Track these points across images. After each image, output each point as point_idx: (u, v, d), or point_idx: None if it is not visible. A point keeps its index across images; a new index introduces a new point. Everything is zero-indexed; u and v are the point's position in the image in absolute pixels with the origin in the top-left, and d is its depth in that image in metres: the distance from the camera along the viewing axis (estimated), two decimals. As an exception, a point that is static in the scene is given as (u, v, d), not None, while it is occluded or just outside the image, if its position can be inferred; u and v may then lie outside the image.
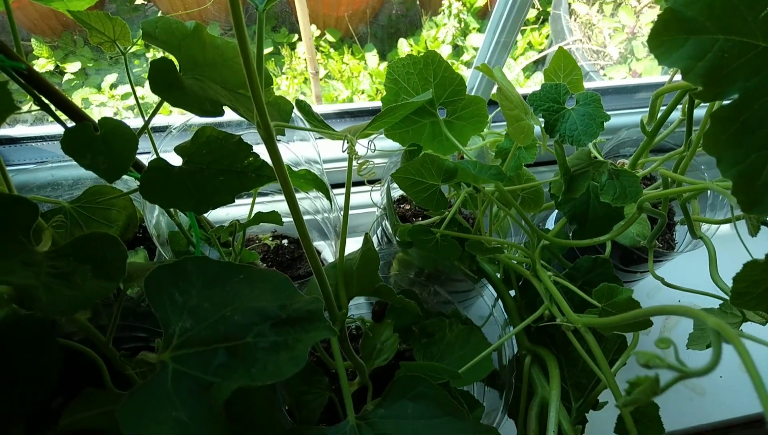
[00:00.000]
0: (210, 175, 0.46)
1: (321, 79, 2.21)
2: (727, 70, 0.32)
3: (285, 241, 0.87)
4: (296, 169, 0.59)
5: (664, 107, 0.55)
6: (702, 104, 0.65)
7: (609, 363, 0.60)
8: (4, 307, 0.36)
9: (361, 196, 0.92)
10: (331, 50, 2.30)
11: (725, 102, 0.32)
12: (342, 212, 0.52)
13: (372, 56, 2.28)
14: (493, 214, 0.65)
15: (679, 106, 0.63)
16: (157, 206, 0.59)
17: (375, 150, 0.44)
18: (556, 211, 0.86)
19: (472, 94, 0.69)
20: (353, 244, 0.92)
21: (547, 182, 0.61)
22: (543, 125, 0.55)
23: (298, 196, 0.81)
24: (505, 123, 0.69)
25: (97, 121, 0.46)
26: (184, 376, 0.35)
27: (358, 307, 0.79)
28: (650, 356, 0.25)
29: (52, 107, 0.46)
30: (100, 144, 0.45)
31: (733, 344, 0.25)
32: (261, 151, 0.44)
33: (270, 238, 0.87)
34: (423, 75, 0.59)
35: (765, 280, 0.34)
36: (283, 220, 0.88)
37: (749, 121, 0.32)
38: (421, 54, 0.59)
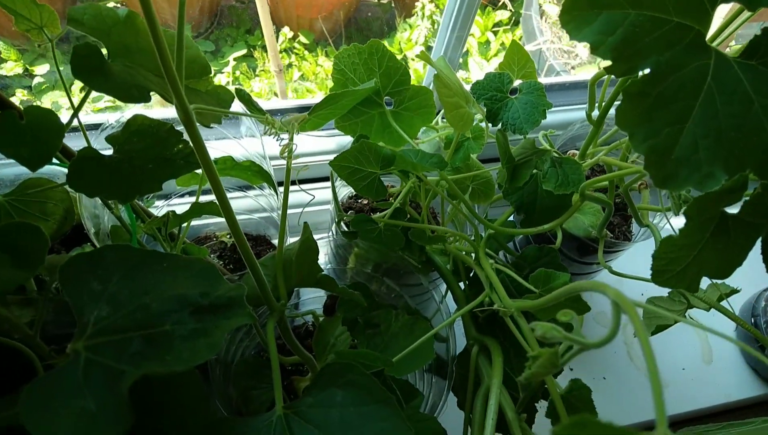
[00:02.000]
0: (139, 163, 0.45)
1: (294, 81, 2.20)
2: (640, 44, 0.32)
3: (242, 239, 0.86)
4: (240, 161, 0.58)
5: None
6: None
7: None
8: None
9: (324, 192, 0.91)
10: (305, 52, 2.29)
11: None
12: (281, 211, 0.51)
13: (346, 58, 2.28)
14: (445, 206, 0.64)
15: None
16: (96, 199, 0.57)
17: (293, 138, 0.43)
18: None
19: (431, 88, 0.69)
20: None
21: (496, 169, 0.61)
22: (485, 114, 0.55)
23: (255, 193, 0.80)
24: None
25: (22, 110, 0.45)
26: (96, 365, 0.34)
27: (319, 300, 0.78)
28: (547, 328, 0.24)
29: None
30: (25, 133, 0.44)
31: (627, 312, 0.24)
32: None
33: (227, 236, 0.85)
34: (368, 65, 0.59)
35: (682, 257, 0.34)
36: (241, 217, 0.87)
37: (662, 95, 0.32)
38: (365, 44, 0.58)
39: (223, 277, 0.40)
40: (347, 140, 0.92)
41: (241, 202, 0.80)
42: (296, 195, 0.89)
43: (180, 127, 0.46)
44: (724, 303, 0.60)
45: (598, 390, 0.94)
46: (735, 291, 0.55)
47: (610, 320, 0.72)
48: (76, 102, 0.48)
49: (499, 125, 0.56)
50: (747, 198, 0.33)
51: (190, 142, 0.39)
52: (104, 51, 0.46)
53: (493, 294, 0.50)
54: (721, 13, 0.46)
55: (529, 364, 0.27)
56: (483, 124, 0.60)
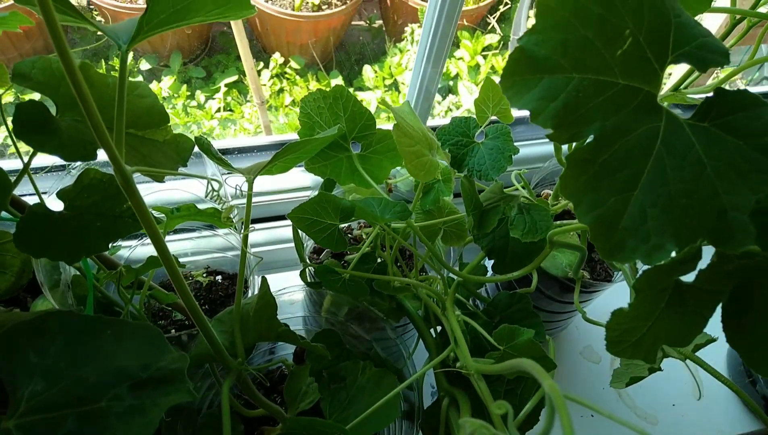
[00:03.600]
0: (88, 220, 0.44)
1: (286, 105, 2.20)
2: (583, 109, 0.31)
3: (219, 278, 0.84)
4: (203, 208, 0.57)
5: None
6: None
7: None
8: None
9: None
10: (297, 77, 2.29)
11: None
12: (239, 263, 0.50)
13: (337, 82, 2.28)
14: (418, 249, 0.63)
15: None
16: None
17: (240, 192, 0.42)
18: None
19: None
20: (283, 280, 0.90)
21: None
22: (450, 160, 0.53)
23: (225, 231, 0.79)
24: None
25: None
26: (25, 446, 0.32)
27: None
28: (477, 425, 0.23)
29: None
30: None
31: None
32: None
33: (203, 275, 0.84)
34: (333, 109, 0.58)
35: (637, 328, 0.32)
36: (214, 255, 0.86)
37: (608, 162, 0.31)
38: (330, 89, 0.57)
39: (169, 345, 0.39)
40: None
41: (213, 240, 0.79)
42: (274, 231, 0.87)
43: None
44: (711, 346, 0.59)
45: (586, 427, 0.92)
46: (711, 340, 0.53)
47: (597, 354, 0.70)
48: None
49: (465, 171, 0.55)
50: (702, 268, 0.31)
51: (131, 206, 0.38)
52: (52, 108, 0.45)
53: (458, 350, 0.48)
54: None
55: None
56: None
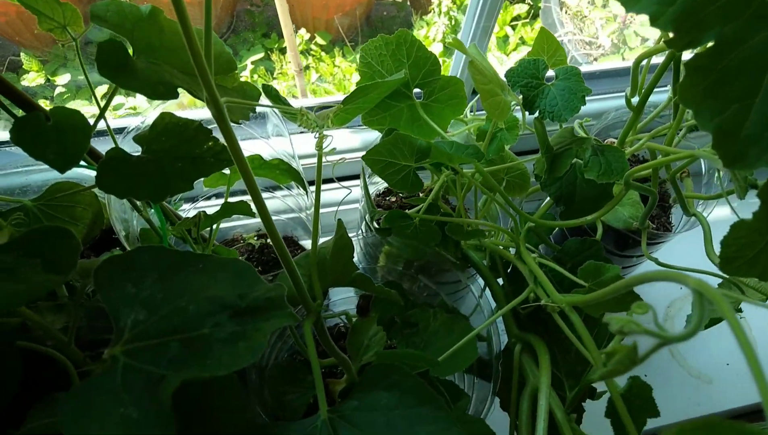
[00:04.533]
0: (168, 162, 0.44)
1: (313, 83, 2.19)
2: (701, 14, 0.29)
3: (269, 240, 0.85)
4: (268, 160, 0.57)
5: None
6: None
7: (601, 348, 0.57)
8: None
9: (347, 192, 0.89)
10: (322, 53, 2.28)
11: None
12: (313, 207, 0.50)
13: (363, 57, 2.26)
14: (479, 200, 0.62)
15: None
16: (125, 202, 0.56)
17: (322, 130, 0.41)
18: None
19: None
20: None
21: (531, 161, 0.58)
22: (521, 101, 0.52)
23: (282, 193, 0.79)
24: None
25: (48, 111, 0.44)
26: (135, 370, 0.32)
27: (350, 301, 0.77)
28: (625, 321, 0.22)
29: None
30: (51, 134, 0.43)
31: (716, 303, 0.22)
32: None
33: (255, 238, 0.84)
34: (396, 56, 0.57)
35: (755, 242, 0.31)
36: (273, 219, 0.86)
37: (727, 70, 0.29)
38: (393, 34, 0.56)
39: (260, 277, 0.39)
40: (372, 137, 0.90)
41: (267, 202, 0.79)
42: (323, 194, 0.87)
43: (211, 126, 0.45)
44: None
45: (639, 388, 0.91)
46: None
47: (660, 314, 0.68)
48: (96, 111, 0.47)
49: (536, 113, 0.53)
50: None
51: (221, 139, 0.37)
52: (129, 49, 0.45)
53: (538, 289, 0.48)
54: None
55: (604, 360, 0.25)
56: (517, 115, 0.58)
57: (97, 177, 0.43)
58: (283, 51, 2.26)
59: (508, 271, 0.59)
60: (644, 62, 0.56)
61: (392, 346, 0.69)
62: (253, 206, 0.62)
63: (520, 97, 0.53)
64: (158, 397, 0.31)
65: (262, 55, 2.29)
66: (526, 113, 0.56)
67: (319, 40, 2.32)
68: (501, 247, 0.56)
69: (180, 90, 0.44)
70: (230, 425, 0.41)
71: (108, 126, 0.49)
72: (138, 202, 0.54)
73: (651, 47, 0.46)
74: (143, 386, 0.32)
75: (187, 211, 0.79)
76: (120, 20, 0.45)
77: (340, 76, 2.28)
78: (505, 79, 0.54)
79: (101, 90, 1.90)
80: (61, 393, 0.47)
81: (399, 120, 0.62)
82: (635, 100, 0.57)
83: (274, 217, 0.83)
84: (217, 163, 0.43)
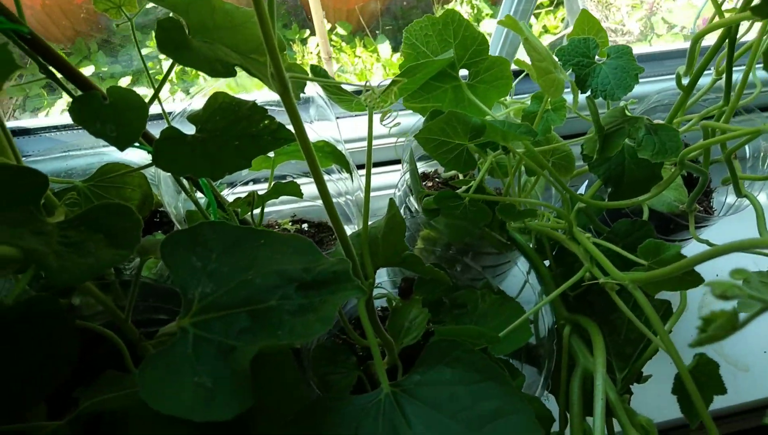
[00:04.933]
0: (224, 140, 0.44)
1: (335, 73, 2.19)
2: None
3: (305, 226, 0.85)
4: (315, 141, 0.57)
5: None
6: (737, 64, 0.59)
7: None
8: (10, 271, 0.33)
9: (384, 177, 0.89)
10: (343, 44, 2.27)
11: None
12: (364, 186, 0.50)
13: (384, 48, 2.25)
14: (522, 182, 0.62)
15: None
16: (171, 185, 0.57)
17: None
18: (587, 180, 0.82)
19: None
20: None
21: (578, 143, 0.58)
22: (574, 80, 0.52)
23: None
24: (527, 94, 0.66)
25: (105, 91, 0.44)
26: (205, 341, 0.32)
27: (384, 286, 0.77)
28: (728, 286, 0.22)
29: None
30: (109, 112, 0.43)
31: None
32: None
33: (289, 223, 0.84)
34: (442, 36, 0.56)
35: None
36: (304, 204, 0.86)
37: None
38: (440, 14, 0.56)
39: (322, 253, 0.39)
40: (408, 123, 0.90)
41: (307, 188, 0.79)
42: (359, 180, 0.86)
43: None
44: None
45: (667, 381, 0.90)
46: None
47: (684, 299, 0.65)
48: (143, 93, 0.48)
49: (588, 92, 0.53)
50: None
51: (286, 113, 0.37)
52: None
53: (593, 268, 0.47)
54: None
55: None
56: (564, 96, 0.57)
57: (154, 155, 0.43)
58: (304, 42, 2.26)
59: (554, 252, 0.58)
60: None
61: (431, 331, 0.69)
62: (305, 189, 0.61)
63: (572, 75, 0.53)
64: (230, 366, 0.31)
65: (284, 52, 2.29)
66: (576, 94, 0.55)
67: (339, 30, 2.31)
68: (550, 229, 0.55)
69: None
70: (287, 400, 0.41)
71: (161, 104, 0.49)
72: (186, 184, 0.55)
73: (713, 23, 0.45)
74: (213, 356, 0.32)
75: (227, 196, 0.79)
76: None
77: (362, 66, 2.27)
78: (555, 58, 0.53)
79: (124, 82, 1.91)
80: (110, 371, 0.48)
81: (442, 102, 0.61)
82: (685, 81, 0.56)
83: (308, 204, 0.83)
84: (273, 141, 0.43)
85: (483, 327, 0.51)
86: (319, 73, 0.52)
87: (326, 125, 0.64)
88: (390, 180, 0.90)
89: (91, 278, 0.34)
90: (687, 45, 0.56)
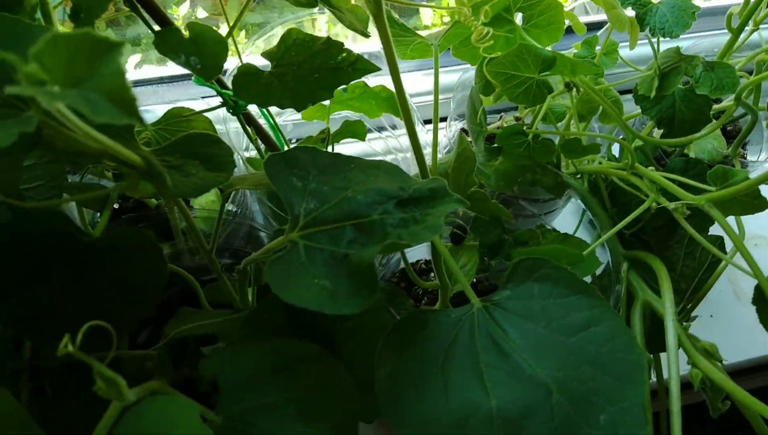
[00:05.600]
0: (302, 73, 0.45)
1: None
2: None
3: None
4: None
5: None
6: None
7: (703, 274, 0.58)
8: (135, 184, 0.34)
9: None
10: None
11: None
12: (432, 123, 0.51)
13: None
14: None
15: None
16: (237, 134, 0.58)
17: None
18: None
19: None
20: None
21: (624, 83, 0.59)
22: (634, 18, 0.53)
23: (373, 136, 0.79)
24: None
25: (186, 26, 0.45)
26: (316, 250, 0.34)
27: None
28: None
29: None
30: (190, 45, 0.44)
31: None
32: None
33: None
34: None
35: None
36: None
37: None
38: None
39: (409, 175, 0.40)
40: (447, 79, 0.90)
41: (355, 146, 0.78)
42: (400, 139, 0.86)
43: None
44: None
45: (706, 328, 0.92)
46: None
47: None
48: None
49: (646, 30, 0.54)
50: None
51: (378, 37, 0.38)
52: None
53: (659, 197, 0.48)
54: None
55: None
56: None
57: (235, 89, 0.44)
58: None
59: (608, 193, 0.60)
60: None
61: (479, 280, 0.70)
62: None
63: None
64: (346, 272, 0.33)
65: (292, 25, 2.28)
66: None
67: (348, 7, 2.30)
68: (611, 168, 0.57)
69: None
70: (372, 320, 0.43)
71: (236, 43, 0.50)
72: (249, 130, 0.55)
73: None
74: (326, 263, 0.33)
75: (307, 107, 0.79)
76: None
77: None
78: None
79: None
80: (185, 307, 0.49)
81: (494, 48, 0.62)
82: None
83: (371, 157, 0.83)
84: (354, 72, 0.44)
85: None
86: (387, 14, 0.52)
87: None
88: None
89: (200, 194, 0.35)
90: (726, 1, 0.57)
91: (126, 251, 0.42)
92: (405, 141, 0.72)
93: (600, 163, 0.61)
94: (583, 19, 0.67)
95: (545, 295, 0.38)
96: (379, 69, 0.43)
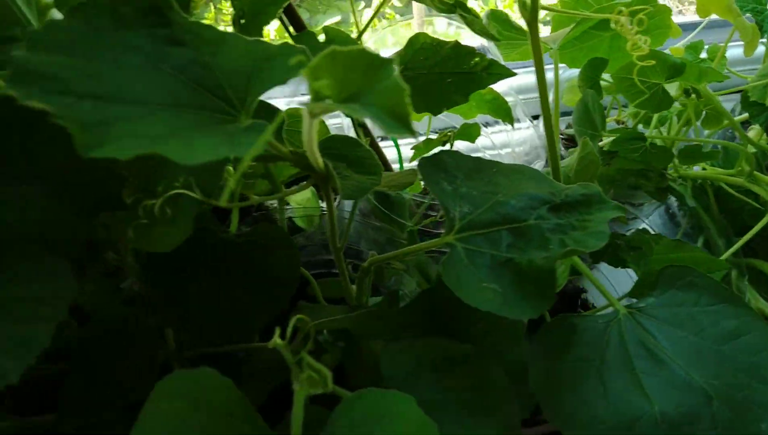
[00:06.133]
0: (434, 78, 0.46)
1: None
2: None
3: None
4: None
5: None
6: None
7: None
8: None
9: (501, 136, 0.89)
10: (397, 16, 2.27)
11: None
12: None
13: (439, 18, 2.24)
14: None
15: None
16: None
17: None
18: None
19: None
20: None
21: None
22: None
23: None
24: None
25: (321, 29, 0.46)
26: (476, 254, 0.34)
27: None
28: None
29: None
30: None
31: None
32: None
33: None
34: (609, -19, 0.57)
35: None
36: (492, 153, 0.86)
37: None
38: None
39: (553, 180, 0.40)
40: (524, 81, 0.89)
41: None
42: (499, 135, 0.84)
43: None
44: None
45: None
46: None
47: None
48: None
49: (764, 36, 0.53)
50: None
51: (529, 42, 0.39)
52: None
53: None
54: None
55: None
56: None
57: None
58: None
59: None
60: None
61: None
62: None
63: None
64: (508, 276, 0.33)
65: (338, 18, 2.30)
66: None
67: (395, 1, 2.30)
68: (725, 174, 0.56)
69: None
70: (503, 323, 0.43)
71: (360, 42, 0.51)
72: (359, 131, 0.57)
73: None
74: (489, 266, 0.34)
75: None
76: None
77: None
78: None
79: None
80: (302, 301, 0.50)
81: (596, 52, 0.62)
82: None
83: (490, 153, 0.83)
84: (489, 77, 0.45)
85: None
86: (499, 16, 0.53)
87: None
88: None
89: (363, 195, 0.37)
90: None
91: (264, 247, 0.44)
92: (498, 138, 0.72)
93: (704, 169, 0.61)
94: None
95: (691, 303, 0.38)
96: (514, 74, 0.43)
